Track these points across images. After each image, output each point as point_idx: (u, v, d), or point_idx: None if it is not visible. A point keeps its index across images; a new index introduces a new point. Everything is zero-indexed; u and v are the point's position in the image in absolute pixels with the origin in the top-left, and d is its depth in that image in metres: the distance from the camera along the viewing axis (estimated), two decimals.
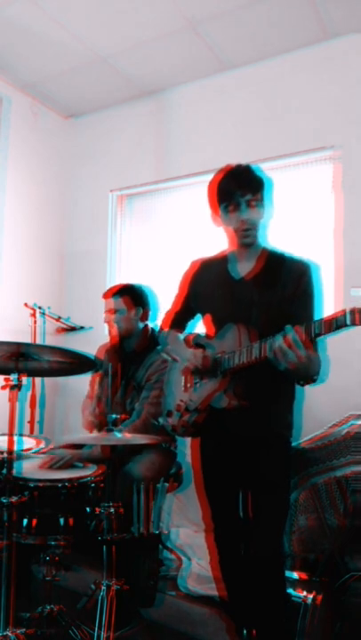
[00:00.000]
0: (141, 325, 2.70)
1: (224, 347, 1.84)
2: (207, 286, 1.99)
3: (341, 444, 2.31)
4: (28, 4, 2.92)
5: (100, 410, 2.71)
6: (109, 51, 3.31)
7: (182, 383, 1.97)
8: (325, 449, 2.34)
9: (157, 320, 2.58)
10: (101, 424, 2.60)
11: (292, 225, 3.12)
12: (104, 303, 2.72)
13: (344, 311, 1.51)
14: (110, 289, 2.75)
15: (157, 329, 2.42)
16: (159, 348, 2.28)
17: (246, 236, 1.87)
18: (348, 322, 1.50)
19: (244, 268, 1.92)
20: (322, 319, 1.58)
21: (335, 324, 1.53)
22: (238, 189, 1.81)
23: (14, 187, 3.71)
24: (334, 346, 1.98)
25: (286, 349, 1.59)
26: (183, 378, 1.97)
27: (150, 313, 2.72)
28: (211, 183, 1.91)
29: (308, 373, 1.74)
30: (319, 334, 1.58)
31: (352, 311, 1.49)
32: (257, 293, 1.85)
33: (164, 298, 2.75)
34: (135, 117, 3.85)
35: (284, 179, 3.24)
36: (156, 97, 3.76)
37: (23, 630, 1.82)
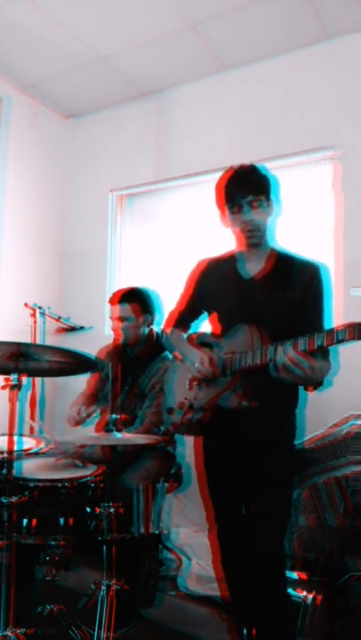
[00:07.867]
0: (147, 331, 2.64)
1: (235, 346, 1.83)
2: (215, 285, 1.98)
3: (341, 444, 2.31)
4: (28, 3, 2.92)
5: (102, 412, 2.68)
6: (109, 51, 3.31)
7: (186, 381, 1.96)
8: (325, 449, 2.34)
9: (162, 324, 2.55)
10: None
11: (292, 225, 3.11)
12: (110, 308, 2.63)
13: (343, 325, 1.56)
14: (117, 294, 2.63)
15: (161, 332, 2.36)
16: (164, 354, 2.24)
17: (251, 237, 1.87)
18: (341, 337, 1.56)
19: (253, 268, 1.91)
20: (326, 331, 1.62)
21: (336, 337, 1.57)
22: (239, 191, 1.82)
23: (14, 187, 3.71)
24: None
25: (291, 367, 1.62)
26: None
27: (156, 318, 2.66)
28: (218, 184, 1.91)
29: (314, 381, 1.74)
30: (321, 346, 1.61)
31: (349, 326, 1.54)
32: (267, 294, 1.85)
33: (165, 298, 2.76)
34: (135, 117, 3.84)
35: (284, 179, 3.22)
36: (156, 97, 3.76)
37: (23, 630, 1.81)
